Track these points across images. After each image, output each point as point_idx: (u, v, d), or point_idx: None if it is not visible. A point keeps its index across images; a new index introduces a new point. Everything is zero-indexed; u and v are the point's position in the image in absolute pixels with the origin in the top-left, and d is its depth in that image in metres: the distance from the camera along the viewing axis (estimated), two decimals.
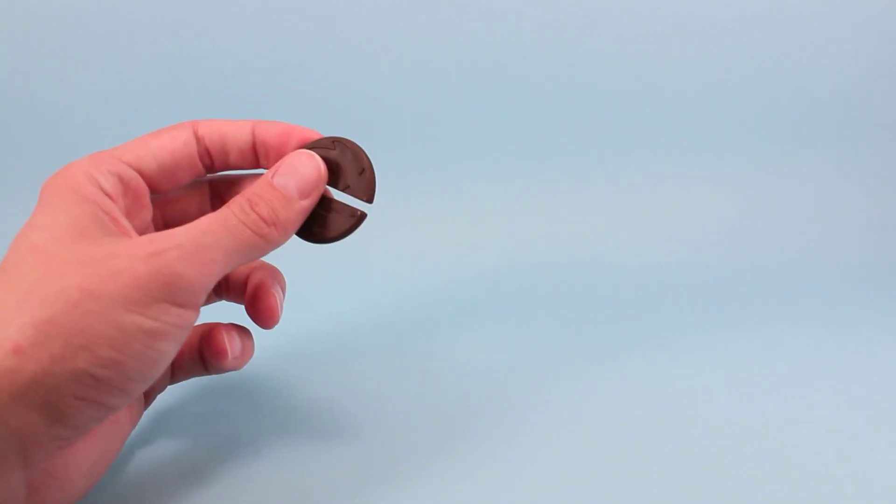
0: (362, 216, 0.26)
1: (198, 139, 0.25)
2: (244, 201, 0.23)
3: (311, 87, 0.57)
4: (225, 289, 0.30)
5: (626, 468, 0.29)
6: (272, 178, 0.24)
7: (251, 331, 0.29)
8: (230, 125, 0.26)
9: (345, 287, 0.49)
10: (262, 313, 0.28)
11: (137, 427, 0.30)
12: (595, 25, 0.60)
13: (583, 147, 0.62)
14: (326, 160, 0.25)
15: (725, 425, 0.32)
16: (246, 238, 0.22)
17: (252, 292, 0.28)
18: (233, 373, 0.35)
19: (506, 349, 0.40)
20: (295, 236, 0.25)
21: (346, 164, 0.25)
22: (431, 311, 0.46)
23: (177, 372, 0.28)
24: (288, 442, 0.30)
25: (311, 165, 0.24)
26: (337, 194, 0.26)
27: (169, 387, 0.30)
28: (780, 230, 0.62)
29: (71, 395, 0.19)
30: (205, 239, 0.21)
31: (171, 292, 0.20)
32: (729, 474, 0.29)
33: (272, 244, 0.23)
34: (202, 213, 0.28)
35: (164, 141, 0.25)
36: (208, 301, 0.30)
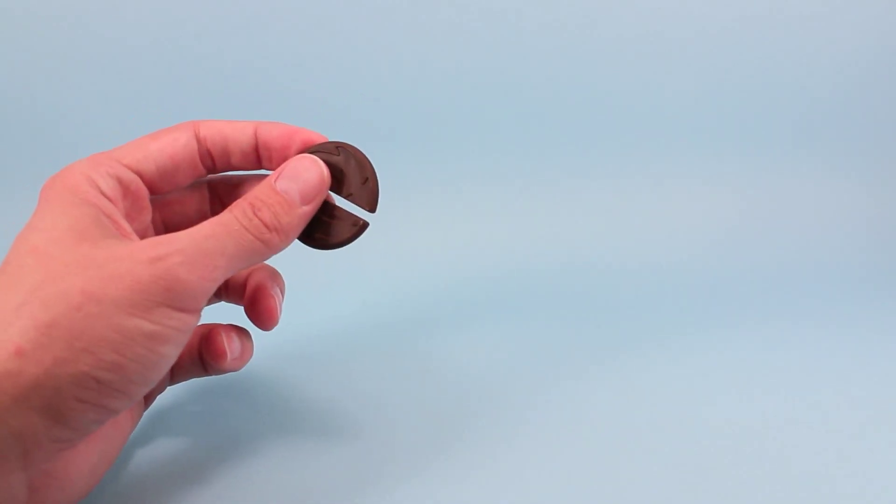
0: (364, 225, 0.26)
1: (199, 140, 0.25)
2: (246, 206, 0.23)
3: (312, 87, 0.57)
4: (224, 290, 0.30)
5: (626, 468, 0.29)
6: (275, 182, 0.24)
7: (250, 332, 0.29)
8: (232, 126, 0.26)
9: (345, 287, 0.49)
10: (261, 315, 0.28)
11: (138, 426, 0.30)
12: (595, 25, 0.60)
13: (583, 147, 0.62)
14: (330, 166, 0.25)
15: (725, 425, 0.32)
16: (248, 243, 0.22)
17: (251, 294, 0.28)
18: (233, 373, 0.35)
19: (506, 349, 0.40)
20: (296, 241, 0.25)
21: (350, 172, 0.25)
22: (431, 311, 0.46)
23: (176, 373, 0.28)
24: (288, 442, 0.30)
25: (314, 171, 0.24)
26: (339, 200, 0.26)
27: (169, 386, 0.30)
28: (780, 230, 0.62)
29: (73, 397, 0.19)
30: (207, 244, 0.21)
31: (173, 297, 0.20)
32: (729, 474, 0.29)
33: (274, 249, 0.23)
34: (201, 213, 0.28)
35: (165, 143, 0.25)
36: (208, 302, 0.30)
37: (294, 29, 0.56)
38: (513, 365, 0.38)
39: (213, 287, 0.22)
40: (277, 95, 0.56)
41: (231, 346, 0.27)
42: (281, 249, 0.24)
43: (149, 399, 0.29)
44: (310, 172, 0.24)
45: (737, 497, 0.27)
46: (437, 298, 0.48)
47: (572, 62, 0.60)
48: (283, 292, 0.29)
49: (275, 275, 0.29)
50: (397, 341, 0.41)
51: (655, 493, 0.27)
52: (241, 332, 0.28)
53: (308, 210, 0.24)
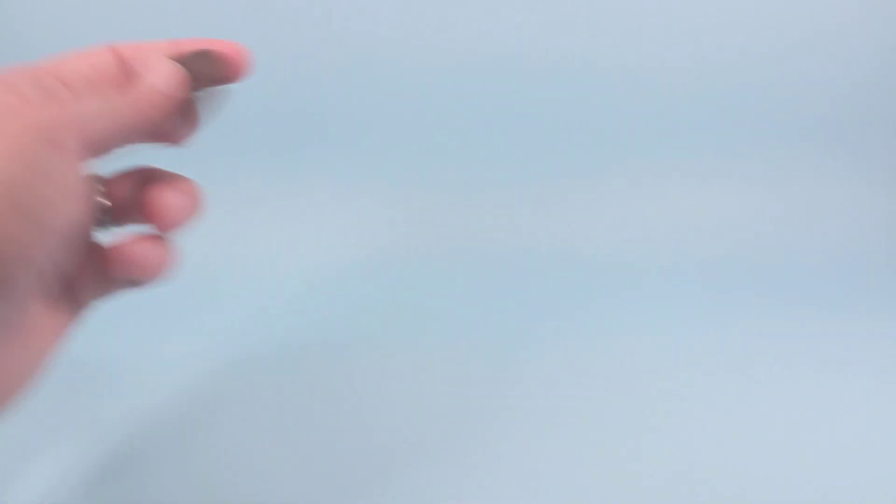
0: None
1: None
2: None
3: (312, 87, 0.57)
4: (125, 213, 0.26)
5: (625, 468, 0.29)
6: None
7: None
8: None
9: (345, 287, 0.49)
10: (154, 209, 0.24)
11: (135, 427, 0.30)
12: (597, 24, 0.59)
13: (586, 148, 0.62)
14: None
15: (725, 425, 0.32)
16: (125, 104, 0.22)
17: (143, 197, 0.24)
18: (231, 375, 0.35)
19: (506, 349, 0.40)
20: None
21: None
22: (431, 311, 0.46)
23: (97, 283, 0.24)
24: (288, 442, 0.30)
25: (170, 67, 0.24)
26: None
27: (167, 386, 0.30)
28: (791, 232, 0.61)
29: None
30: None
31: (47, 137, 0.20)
32: (728, 474, 0.29)
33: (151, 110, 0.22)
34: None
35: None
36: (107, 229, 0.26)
37: (294, 29, 0.56)
38: (513, 365, 0.38)
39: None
40: (277, 96, 0.56)
41: (143, 251, 0.23)
42: (158, 117, 0.23)
43: (76, 301, 0.24)
44: (167, 67, 0.24)
45: (736, 497, 0.27)
46: (437, 299, 0.48)
47: (575, 61, 0.60)
48: (194, 200, 0.25)
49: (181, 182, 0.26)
50: (397, 341, 0.41)
51: (655, 493, 0.27)
52: (154, 238, 0.24)
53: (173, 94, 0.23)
